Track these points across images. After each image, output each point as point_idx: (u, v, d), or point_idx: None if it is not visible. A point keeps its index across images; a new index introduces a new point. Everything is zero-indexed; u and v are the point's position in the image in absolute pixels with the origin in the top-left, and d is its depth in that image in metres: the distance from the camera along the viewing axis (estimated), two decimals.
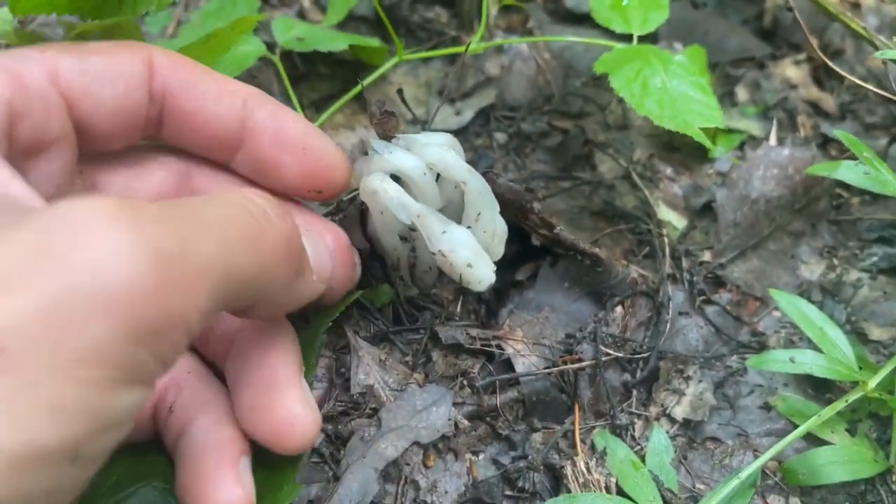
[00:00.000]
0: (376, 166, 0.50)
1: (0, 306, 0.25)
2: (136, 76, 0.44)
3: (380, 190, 0.50)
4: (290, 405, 0.43)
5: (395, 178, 0.52)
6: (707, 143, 0.61)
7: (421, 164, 0.51)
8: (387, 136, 0.53)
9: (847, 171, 0.61)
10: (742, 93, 0.88)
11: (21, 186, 0.36)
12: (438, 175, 0.53)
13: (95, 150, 0.46)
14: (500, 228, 0.56)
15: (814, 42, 0.97)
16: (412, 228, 0.53)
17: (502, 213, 0.56)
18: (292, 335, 0.48)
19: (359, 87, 0.65)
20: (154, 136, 0.48)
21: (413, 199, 0.51)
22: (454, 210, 0.56)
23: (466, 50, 0.66)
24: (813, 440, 0.58)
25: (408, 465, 0.55)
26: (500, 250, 0.57)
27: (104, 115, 0.44)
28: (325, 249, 0.48)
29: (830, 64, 0.67)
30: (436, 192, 0.53)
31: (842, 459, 0.56)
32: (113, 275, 0.27)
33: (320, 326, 0.53)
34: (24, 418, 0.25)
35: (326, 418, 0.56)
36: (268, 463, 0.46)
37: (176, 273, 0.29)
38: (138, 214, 0.29)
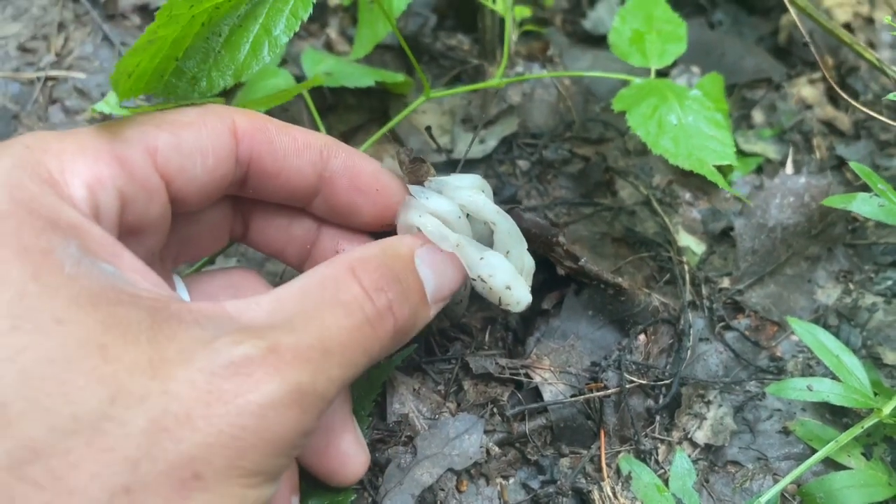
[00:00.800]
0: (414, 210, 0.53)
1: (189, 439, 0.33)
2: (224, 147, 0.46)
3: (420, 225, 0.51)
4: (346, 447, 0.51)
5: None
6: (720, 181, 0.63)
7: (456, 208, 0.53)
8: (419, 182, 0.55)
9: (862, 204, 0.63)
10: (758, 115, 0.90)
11: (156, 281, 0.40)
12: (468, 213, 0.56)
13: (180, 213, 0.48)
14: (528, 264, 0.58)
15: (829, 61, 0.99)
16: None
17: (529, 245, 0.58)
18: None
19: (386, 128, 0.68)
20: (235, 193, 0.51)
21: None
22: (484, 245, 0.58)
23: (498, 88, 0.68)
24: (830, 464, 0.60)
25: (442, 490, 0.58)
26: (528, 284, 0.59)
27: (195, 188, 0.46)
28: (449, 270, 0.51)
29: (841, 93, 0.69)
30: (469, 233, 0.55)
31: (858, 483, 0.58)
32: (271, 417, 0.35)
33: (380, 376, 0.60)
34: None
35: None
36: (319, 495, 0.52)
37: (310, 401, 0.37)
38: (281, 358, 0.36)
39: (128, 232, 0.43)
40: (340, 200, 0.52)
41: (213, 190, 0.47)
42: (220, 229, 0.54)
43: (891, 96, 0.58)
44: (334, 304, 0.41)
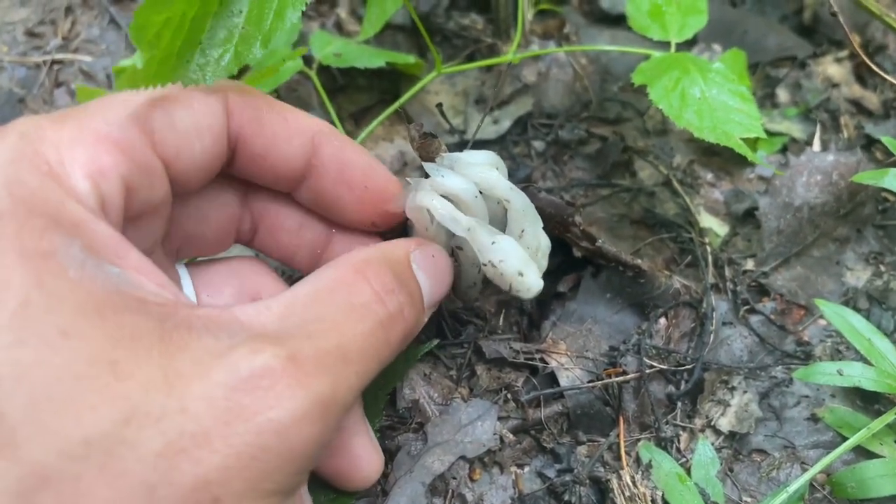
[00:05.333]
0: (424, 192, 0.51)
1: (207, 461, 0.31)
2: (218, 125, 0.44)
3: (431, 207, 0.50)
4: (359, 450, 0.49)
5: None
6: (749, 153, 0.60)
7: (472, 186, 0.51)
8: (430, 158, 0.53)
9: (894, 180, 0.60)
10: (783, 94, 0.86)
11: (162, 281, 0.38)
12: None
13: (180, 200, 0.47)
14: (543, 243, 0.56)
15: (856, 39, 0.96)
16: (458, 247, 0.53)
17: (544, 225, 0.56)
18: None
19: (397, 105, 0.66)
20: (222, 172, 0.49)
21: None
22: (497, 225, 0.56)
23: (509, 64, 0.66)
24: (862, 452, 0.58)
25: (454, 478, 0.56)
26: (543, 264, 0.57)
27: (193, 169, 0.44)
28: (441, 276, 0.50)
29: (872, 66, 0.66)
30: (485, 212, 0.53)
31: (892, 472, 0.55)
32: (293, 433, 0.34)
33: (396, 375, 0.58)
34: None
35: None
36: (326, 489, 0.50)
37: (331, 412, 0.36)
38: (301, 368, 0.35)
39: (131, 219, 0.42)
40: (326, 191, 0.50)
41: (208, 170, 0.46)
42: (227, 230, 0.52)
43: None
44: (348, 309, 0.40)
